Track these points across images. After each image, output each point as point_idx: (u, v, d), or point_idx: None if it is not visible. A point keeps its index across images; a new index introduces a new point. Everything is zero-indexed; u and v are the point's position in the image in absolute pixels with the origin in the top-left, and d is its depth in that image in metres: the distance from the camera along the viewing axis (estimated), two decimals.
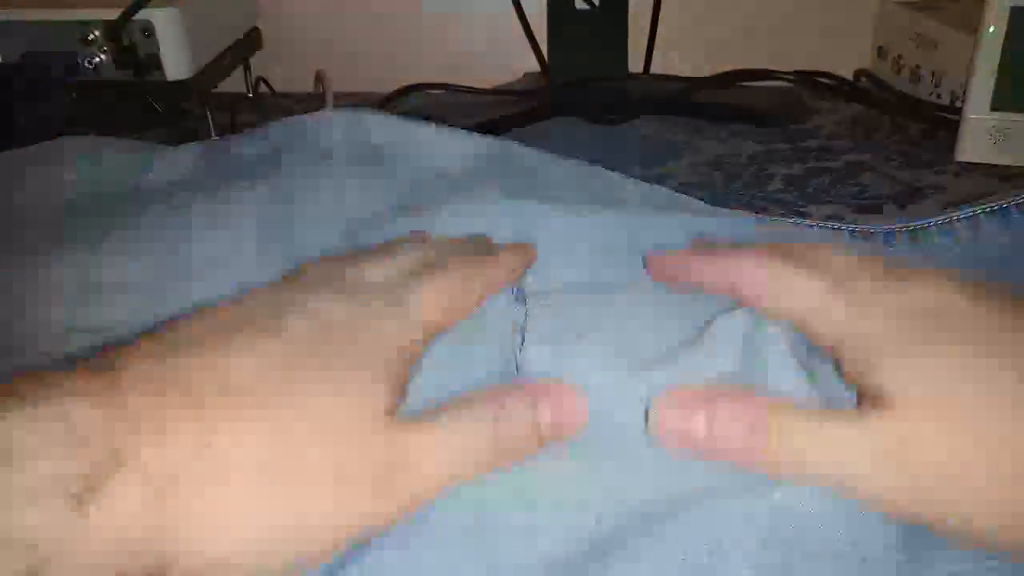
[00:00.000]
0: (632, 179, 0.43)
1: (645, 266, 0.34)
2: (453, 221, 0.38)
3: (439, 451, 0.24)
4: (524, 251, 0.35)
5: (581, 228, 0.38)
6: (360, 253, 0.33)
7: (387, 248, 0.33)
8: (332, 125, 0.43)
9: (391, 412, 0.24)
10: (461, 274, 0.30)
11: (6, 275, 0.37)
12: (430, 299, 0.29)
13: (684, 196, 0.42)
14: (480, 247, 0.35)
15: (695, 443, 0.25)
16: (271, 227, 0.38)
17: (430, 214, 0.38)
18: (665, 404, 0.26)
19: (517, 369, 0.31)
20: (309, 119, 0.43)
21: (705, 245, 0.35)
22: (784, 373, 0.30)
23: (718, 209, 0.41)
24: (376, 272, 0.29)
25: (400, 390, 0.26)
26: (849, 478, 0.24)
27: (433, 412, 0.25)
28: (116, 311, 0.35)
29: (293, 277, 0.29)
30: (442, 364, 0.31)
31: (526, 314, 0.33)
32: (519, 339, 0.32)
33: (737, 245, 0.34)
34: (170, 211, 0.39)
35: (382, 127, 0.43)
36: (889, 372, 0.24)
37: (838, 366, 0.27)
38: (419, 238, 0.35)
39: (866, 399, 0.25)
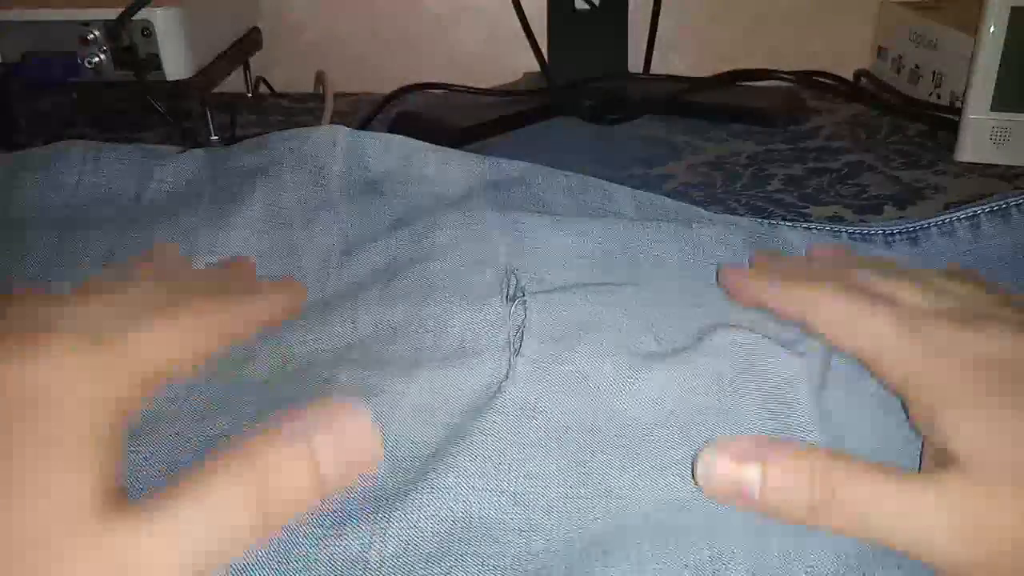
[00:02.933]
0: (627, 188, 0.43)
1: (719, 280, 0.33)
2: (448, 236, 0.38)
3: (182, 540, 0.19)
4: (289, 290, 0.31)
5: (575, 240, 0.38)
6: (89, 285, 0.28)
7: (112, 282, 0.28)
8: (333, 149, 0.43)
9: (103, 495, 0.19)
10: (195, 311, 0.26)
11: (6, 285, 0.37)
12: (153, 343, 0.24)
13: (680, 203, 0.42)
14: (235, 279, 0.31)
15: (748, 496, 0.23)
16: (270, 252, 0.39)
17: (426, 230, 0.38)
18: (714, 453, 0.24)
19: (509, 367, 0.31)
20: (310, 138, 0.43)
21: (769, 256, 0.35)
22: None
23: (714, 215, 0.41)
24: (84, 310, 0.24)
25: (111, 456, 0.20)
26: (917, 540, 0.22)
27: (172, 485, 0.20)
28: None
29: None
30: (433, 379, 0.31)
31: (526, 312, 0.33)
32: (519, 337, 0.32)
33: (802, 261, 0.34)
34: (172, 233, 0.39)
35: (381, 156, 0.43)
36: (958, 430, 0.24)
37: (904, 409, 0.26)
38: (155, 263, 0.31)
39: (932, 450, 0.24)
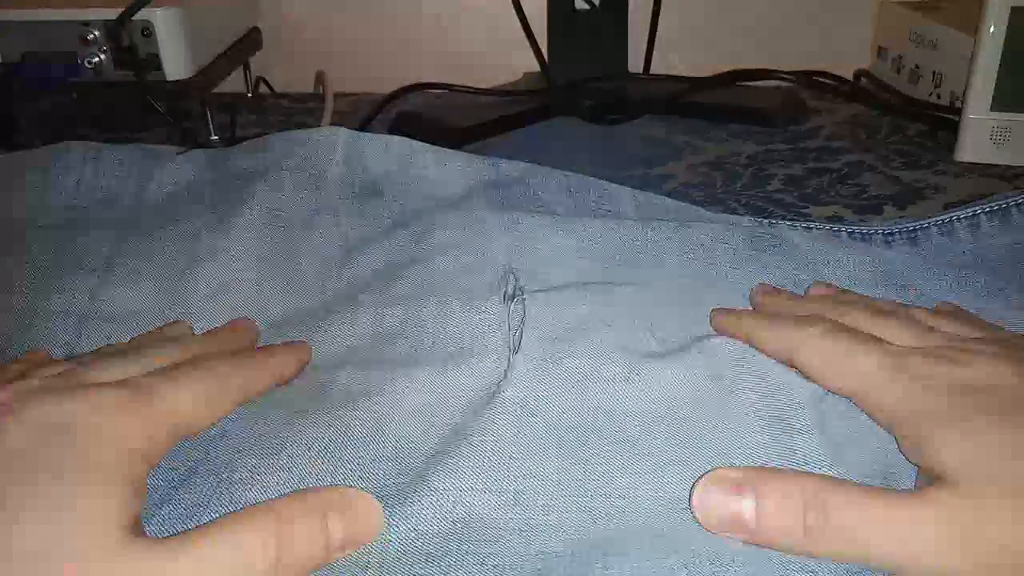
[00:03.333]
0: (626, 188, 0.43)
1: (711, 321, 0.33)
2: (448, 236, 0.38)
3: (203, 571, 0.21)
4: (298, 351, 0.33)
5: (574, 240, 0.38)
6: (104, 350, 0.31)
7: (137, 344, 0.31)
8: (333, 151, 0.43)
9: (130, 526, 0.22)
10: (216, 372, 0.29)
11: (7, 285, 0.37)
12: (178, 398, 0.27)
13: (679, 203, 0.42)
14: (243, 341, 0.34)
15: (744, 527, 0.24)
16: (271, 254, 0.39)
17: (425, 230, 0.38)
18: (709, 485, 0.24)
19: (508, 366, 0.31)
20: (310, 139, 0.43)
21: (769, 292, 0.35)
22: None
23: (713, 215, 0.41)
24: (116, 370, 0.27)
25: (139, 497, 0.23)
26: (914, 559, 0.22)
27: (202, 527, 0.22)
28: (119, 341, 0.35)
29: (13, 375, 0.27)
30: (432, 379, 0.31)
31: (525, 311, 0.33)
32: (518, 336, 0.32)
33: (799, 299, 0.34)
34: (173, 236, 0.39)
35: (380, 157, 0.43)
36: (947, 449, 0.24)
37: (896, 442, 0.26)
38: (175, 334, 0.34)
39: (925, 476, 0.25)
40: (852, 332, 0.29)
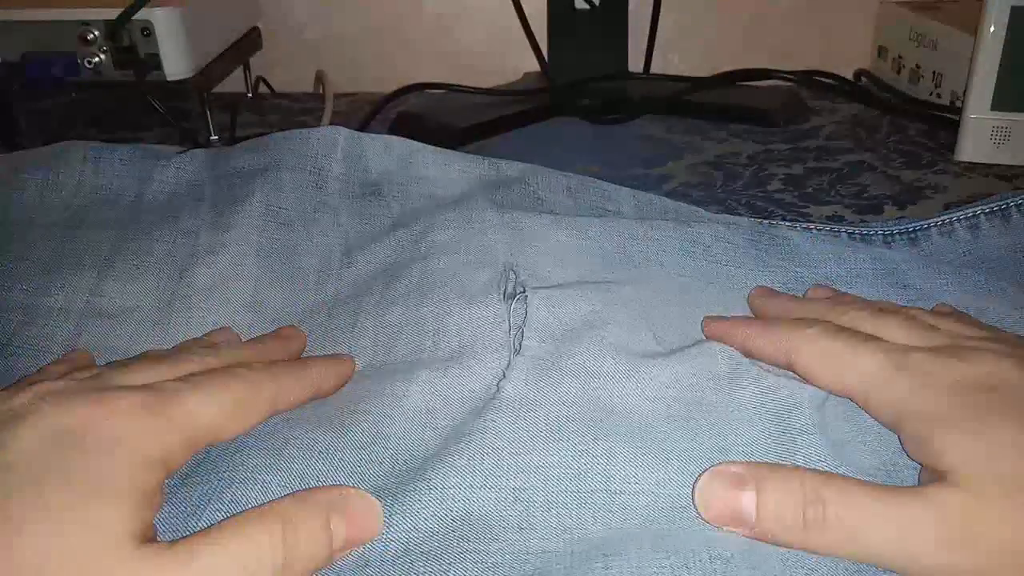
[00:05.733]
0: (626, 188, 0.43)
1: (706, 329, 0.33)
2: (447, 236, 0.38)
3: (215, 572, 0.22)
4: (339, 365, 0.32)
5: (574, 239, 0.38)
6: (144, 354, 0.31)
7: (176, 350, 0.31)
8: (333, 150, 0.43)
9: (140, 535, 0.22)
10: (248, 380, 0.28)
11: (7, 283, 0.37)
12: (202, 405, 0.26)
13: (679, 203, 0.42)
14: (289, 350, 0.33)
15: (744, 521, 0.24)
16: (270, 252, 0.39)
17: (425, 229, 0.38)
18: (710, 479, 0.25)
19: (509, 365, 0.31)
20: (310, 138, 0.43)
21: (766, 294, 0.35)
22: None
23: (713, 216, 0.41)
24: (143, 374, 0.27)
25: (151, 505, 0.23)
26: (912, 556, 0.23)
27: (208, 530, 0.23)
28: (119, 338, 0.35)
29: (50, 376, 0.27)
30: (433, 381, 0.31)
31: (526, 309, 0.33)
32: (518, 334, 0.32)
33: (797, 301, 0.34)
34: (173, 234, 0.39)
35: (380, 157, 0.43)
36: (951, 447, 0.24)
37: (899, 441, 0.26)
38: (217, 340, 0.33)
39: (928, 474, 0.25)
40: (851, 332, 0.29)
